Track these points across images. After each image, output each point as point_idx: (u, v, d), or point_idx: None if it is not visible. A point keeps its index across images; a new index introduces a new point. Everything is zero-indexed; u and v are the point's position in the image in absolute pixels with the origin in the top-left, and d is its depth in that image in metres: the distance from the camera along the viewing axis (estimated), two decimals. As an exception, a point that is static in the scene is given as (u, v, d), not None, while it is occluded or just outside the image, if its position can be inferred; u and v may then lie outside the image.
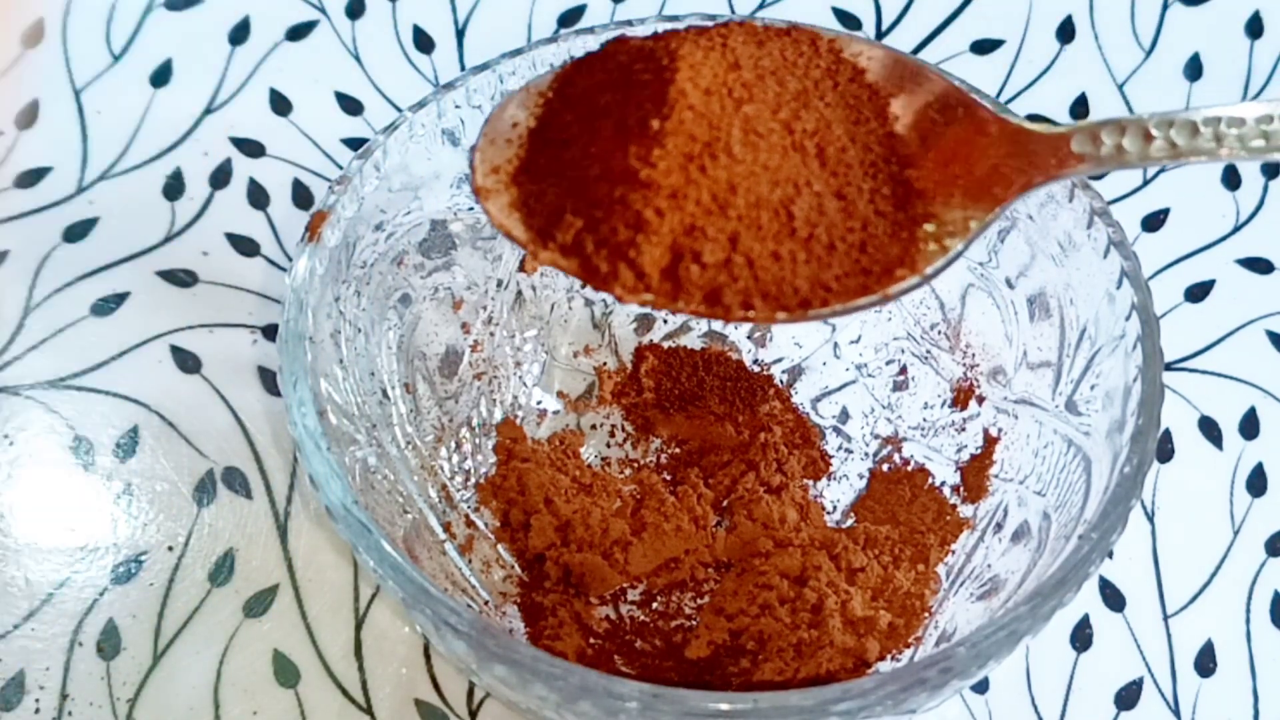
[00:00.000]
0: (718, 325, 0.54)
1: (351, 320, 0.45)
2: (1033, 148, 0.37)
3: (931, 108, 0.38)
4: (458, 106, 0.46)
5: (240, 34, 0.63)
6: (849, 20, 0.65)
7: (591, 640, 0.46)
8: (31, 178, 0.59)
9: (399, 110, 0.51)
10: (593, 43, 0.47)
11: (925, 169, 0.37)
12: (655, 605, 0.48)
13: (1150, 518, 0.52)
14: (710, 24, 0.38)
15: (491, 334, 0.51)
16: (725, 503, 0.50)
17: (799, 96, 0.37)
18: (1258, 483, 0.52)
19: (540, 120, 0.39)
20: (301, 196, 0.59)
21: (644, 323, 0.54)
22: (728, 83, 0.36)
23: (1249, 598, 0.50)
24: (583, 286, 0.35)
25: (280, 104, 0.61)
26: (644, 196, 0.34)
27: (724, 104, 0.36)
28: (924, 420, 0.51)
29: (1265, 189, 0.60)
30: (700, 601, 0.48)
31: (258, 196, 0.58)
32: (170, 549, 0.50)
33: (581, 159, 0.36)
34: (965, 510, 0.48)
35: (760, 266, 0.35)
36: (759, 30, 0.38)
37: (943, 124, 0.38)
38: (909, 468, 0.50)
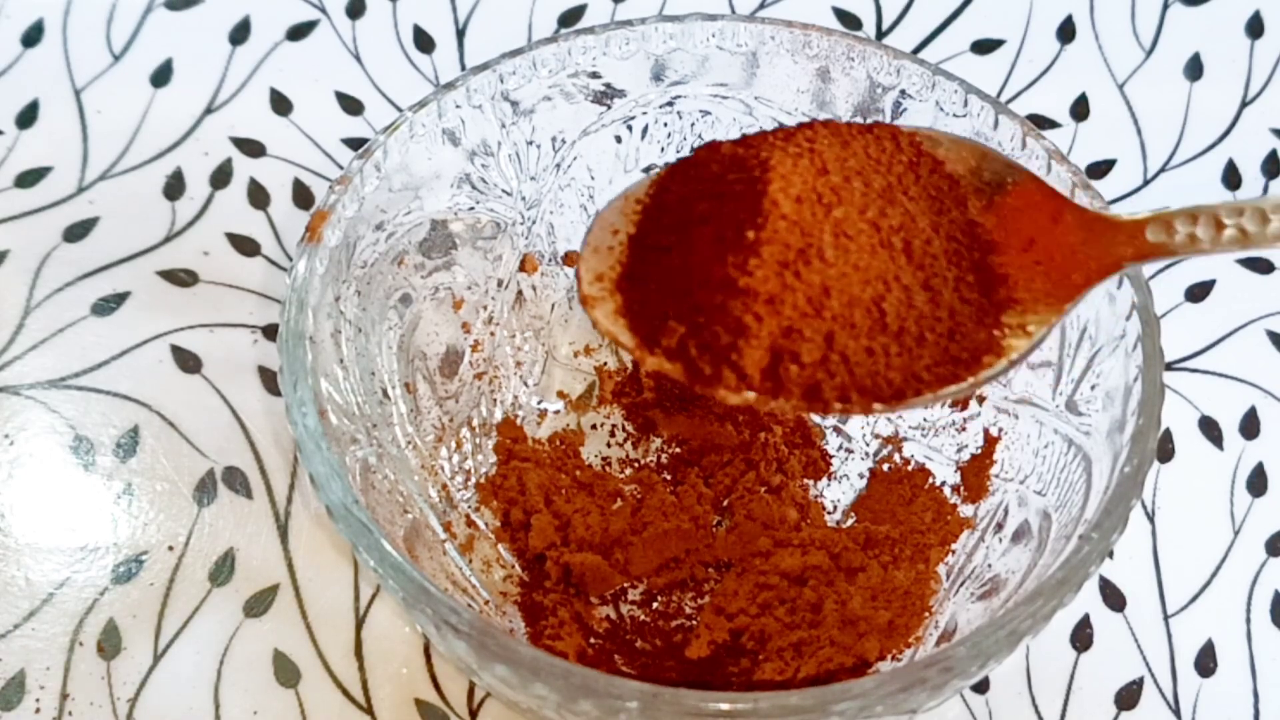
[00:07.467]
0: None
1: (352, 320, 0.45)
2: (1109, 235, 0.38)
3: (1011, 196, 0.39)
4: (458, 106, 0.46)
5: (240, 34, 0.63)
6: (849, 20, 0.65)
7: (592, 640, 0.46)
8: (31, 177, 0.59)
9: (399, 110, 0.51)
10: (593, 43, 0.47)
11: (1007, 256, 0.38)
12: (655, 605, 0.48)
13: (1150, 518, 0.52)
14: (794, 125, 0.39)
15: (492, 334, 0.51)
16: (725, 502, 0.50)
17: (884, 193, 0.38)
18: (1258, 483, 0.52)
19: (639, 227, 0.40)
20: (302, 196, 0.59)
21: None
22: (817, 188, 0.37)
23: (1249, 598, 0.50)
24: (685, 390, 0.37)
25: (280, 104, 0.61)
26: (743, 303, 0.36)
27: (814, 210, 0.37)
28: (924, 420, 0.51)
29: (1265, 189, 0.60)
30: (700, 601, 0.48)
31: (258, 196, 0.58)
32: (170, 549, 0.50)
33: (682, 266, 0.37)
34: (965, 510, 0.48)
35: (855, 362, 0.36)
36: (843, 129, 0.39)
37: (1021, 211, 0.39)
38: (909, 467, 0.50)
